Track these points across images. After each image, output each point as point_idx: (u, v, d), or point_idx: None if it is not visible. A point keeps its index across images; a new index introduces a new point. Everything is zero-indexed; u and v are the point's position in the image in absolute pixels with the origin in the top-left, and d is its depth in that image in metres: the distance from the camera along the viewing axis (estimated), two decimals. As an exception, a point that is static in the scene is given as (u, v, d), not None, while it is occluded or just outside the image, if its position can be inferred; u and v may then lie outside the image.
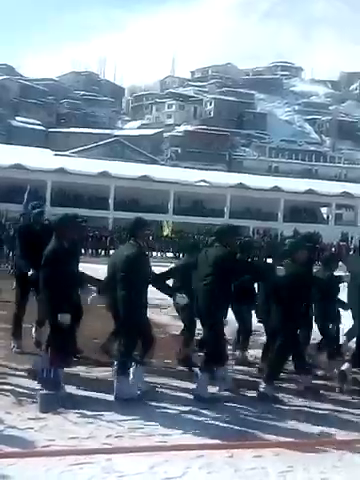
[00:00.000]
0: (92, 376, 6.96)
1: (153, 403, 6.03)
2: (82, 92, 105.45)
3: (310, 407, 6.36)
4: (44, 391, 5.76)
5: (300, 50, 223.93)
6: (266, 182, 58.27)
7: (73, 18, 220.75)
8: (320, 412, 6.23)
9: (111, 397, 6.09)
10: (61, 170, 50.55)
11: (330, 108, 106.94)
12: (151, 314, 7.64)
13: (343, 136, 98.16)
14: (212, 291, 6.27)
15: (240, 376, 7.48)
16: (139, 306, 6.13)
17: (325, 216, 62.83)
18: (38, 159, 51.39)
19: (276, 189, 56.33)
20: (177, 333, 8.66)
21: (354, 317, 7.33)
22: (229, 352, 7.51)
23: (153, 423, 5.44)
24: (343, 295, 7.62)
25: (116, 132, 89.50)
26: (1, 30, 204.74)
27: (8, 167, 48.30)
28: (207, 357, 6.45)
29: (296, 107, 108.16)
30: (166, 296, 7.01)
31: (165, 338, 9.39)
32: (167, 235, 42.97)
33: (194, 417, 5.77)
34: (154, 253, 37.73)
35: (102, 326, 8.30)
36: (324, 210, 63.42)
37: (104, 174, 52.10)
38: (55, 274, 5.95)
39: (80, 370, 7.13)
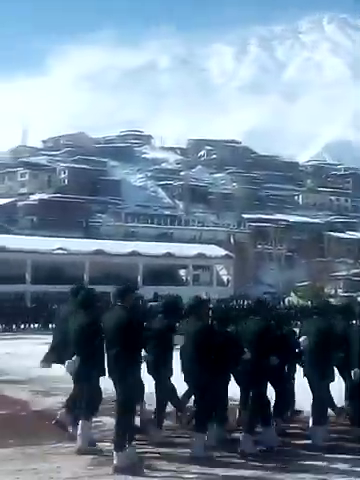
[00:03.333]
0: None
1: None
2: None
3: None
4: None
5: (149, 119, 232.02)
6: (124, 247, 58.76)
7: None
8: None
9: None
10: None
11: (181, 174, 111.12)
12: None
13: (195, 200, 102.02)
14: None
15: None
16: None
17: (183, 278, 64.27)
18: None
19: (134, 254, 56.95)
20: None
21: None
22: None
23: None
24: None
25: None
26: None
27: None
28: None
29: (148, 173, 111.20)
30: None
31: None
32: None
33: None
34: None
35: None
36: (182, 272, 64.89)
37: None
38: None
39: None
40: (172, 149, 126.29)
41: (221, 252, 64.67)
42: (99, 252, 55.61)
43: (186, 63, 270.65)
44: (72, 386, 7.15)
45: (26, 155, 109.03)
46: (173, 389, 7.72)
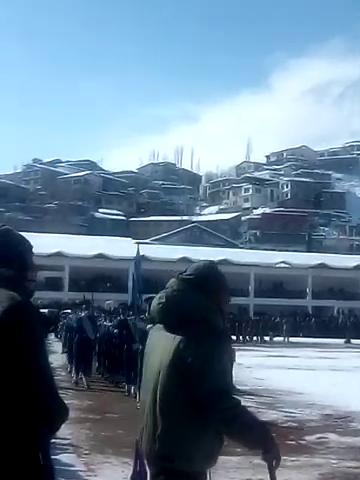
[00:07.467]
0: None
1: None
2: (160, 182, 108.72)
3: None
4: None
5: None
6: (348, 261, 57.24)
7: (147, 112, 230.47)
8: None
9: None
10: (142, 258, 51.02)
11: None
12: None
13: None
14: None
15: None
16: None
17: None
18: (119, 248, 52.69)
19: (359, 268, 55.17)
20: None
21: None
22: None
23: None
24: None
25: (194, 218, 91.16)
26: (82, 128, 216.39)
27: (91, 257, 49.80)
28: None
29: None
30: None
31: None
32: None
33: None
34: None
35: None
36: None
37: (184, 260, 52.68)
38: None
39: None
40: None
41: None
42: (322, 266, 54.85)
43: None
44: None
45: (250, 170, 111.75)
46: None
